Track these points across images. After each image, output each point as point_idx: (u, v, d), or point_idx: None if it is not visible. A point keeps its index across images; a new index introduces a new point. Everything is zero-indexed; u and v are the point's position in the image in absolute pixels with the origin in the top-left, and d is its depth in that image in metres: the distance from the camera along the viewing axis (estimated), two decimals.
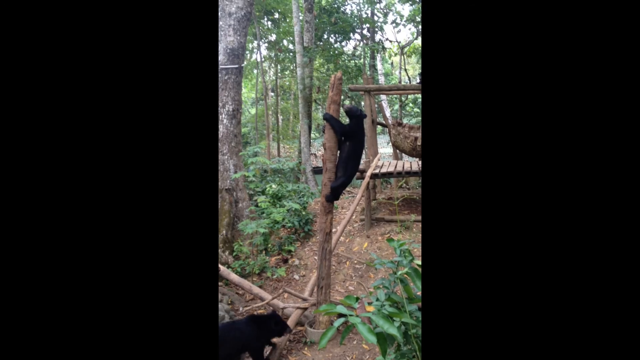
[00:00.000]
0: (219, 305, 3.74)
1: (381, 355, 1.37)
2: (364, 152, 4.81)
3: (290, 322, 3.76)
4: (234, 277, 4.55)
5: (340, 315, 1.36)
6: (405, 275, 1.61)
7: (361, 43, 12.04)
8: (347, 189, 9.42)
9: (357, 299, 1.44)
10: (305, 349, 3.73)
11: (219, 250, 5.49)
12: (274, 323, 3.36)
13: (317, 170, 10.82)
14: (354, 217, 6.30)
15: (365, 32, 11.99)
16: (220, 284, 4.41)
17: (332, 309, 1.37)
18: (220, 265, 4.50)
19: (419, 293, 2.61)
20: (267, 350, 3.51)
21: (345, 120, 3.93)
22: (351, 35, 11.83)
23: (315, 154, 14.31)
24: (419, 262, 1.63)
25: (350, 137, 3.82)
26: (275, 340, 3.56)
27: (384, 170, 6.06)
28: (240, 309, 4.44)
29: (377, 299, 1.45)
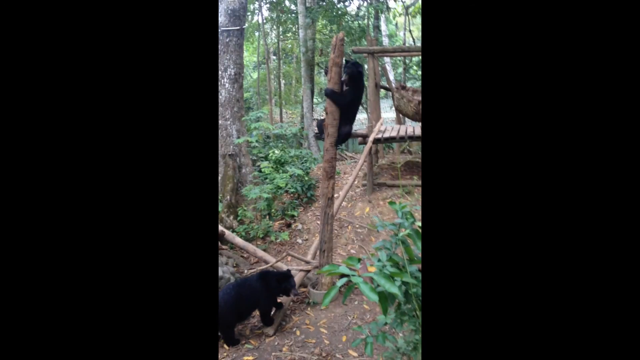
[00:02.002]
0: (225, 268, 3.83)
1: (382, 313, 1.41)
2: (367, 116, 4.80)
3: None
4: (238, 240, 4.63)
5: (343, 275, 1.39)
6: (407, 237, 1.64)
7: (365, 3, 11.63)
8: (349, 154, 9.40)
9: (359, 260, 1.47)
10: (308, 309, 3.85)
11: (224, 215, 5.57)
12: (276, 280, 3.41)
13: (319, 136, 10.73)
14: (356, 182, 6.32)
15: None
16: (225, 247, 4.50)
17: (335, 269, 1.40)
18: (225, 229, 4.57)
19: (420, 254, 2.65)
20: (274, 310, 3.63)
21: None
22: None
23: (317, 119, 14.13)
24: (420, 224, 1.65)
25: (352, 101, 3.85)
26: (281, 300, 3.67)
27: (386, 135, 6.01)
28: (245, 271, 4.56)
29: (379, 260, 1.48)
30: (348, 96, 3.80)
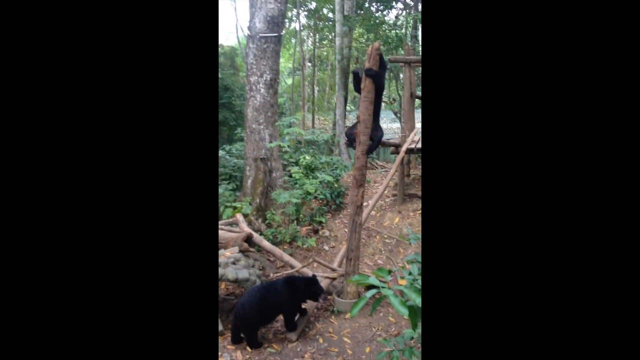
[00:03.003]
0: (251, 270, 3.86)
1: (412, 327, 1.38)
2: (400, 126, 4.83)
3: None
4: (266, 244, 4.67)
5: (371, 286, 1.37)
6: None
7: (403, 12, 11.58)
8: (380, 163, 9.32)
9: (390, 272, 1.44)
10: (332, 317, 3.82)
11: (252, 217, 5.63)
12: (304, 284, 3.43)
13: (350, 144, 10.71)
14: (386, 192, 6.25)
15: (407, 0, 11.50)
16: (252, 249, 4.55)
17: (365, 279, 1.38)
18: (253, 232, 4.62)
19: None
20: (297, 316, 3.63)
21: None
22: (393, 3, 11.38)
23: (347, 128, 14.14)
24: None
25: (383, 85, 3.99)
26: (305, 306, 3.66)
27: (420, 145, 5.92)
28: (271, 274, 4.58)
29: (410, 273, 1.45)
30: (382, 77, 3.84)
